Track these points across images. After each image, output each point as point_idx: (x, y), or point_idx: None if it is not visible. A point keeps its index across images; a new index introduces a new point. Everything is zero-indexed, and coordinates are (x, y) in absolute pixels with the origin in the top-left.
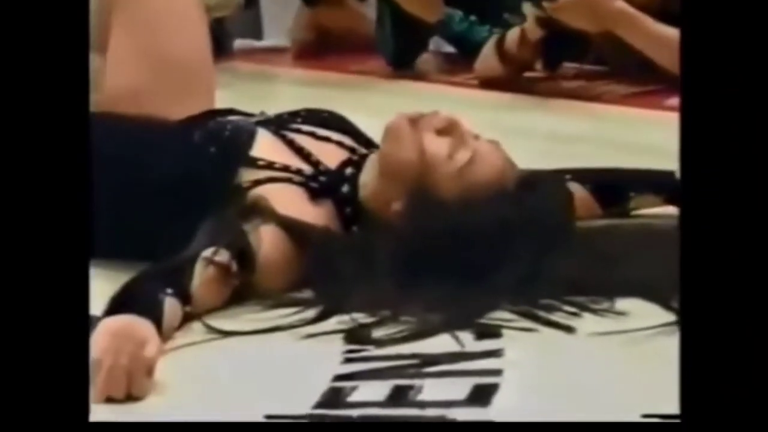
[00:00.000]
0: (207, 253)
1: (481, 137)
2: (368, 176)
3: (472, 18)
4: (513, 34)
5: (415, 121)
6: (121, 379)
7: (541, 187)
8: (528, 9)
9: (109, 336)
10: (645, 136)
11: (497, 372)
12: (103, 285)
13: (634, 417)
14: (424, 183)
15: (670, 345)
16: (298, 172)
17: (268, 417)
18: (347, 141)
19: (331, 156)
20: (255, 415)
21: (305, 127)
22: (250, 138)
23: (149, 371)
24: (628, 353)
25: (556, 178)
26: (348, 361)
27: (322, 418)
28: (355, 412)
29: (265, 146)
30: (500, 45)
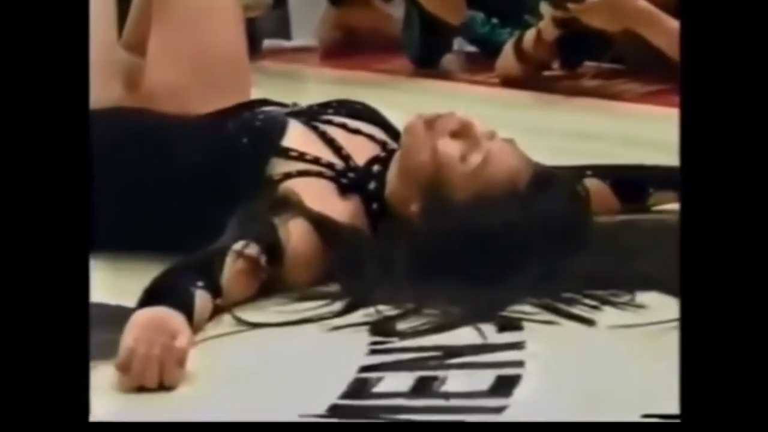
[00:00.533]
0: (237, 246)
1: (496, 136)
2: (392, 174)
3: (494, 20)
4: (530, 35)
5: (430, 123)
6: (154, 369)
7: (556, 185)
8: (545, 9)
9: (142, 327)
10: (664, 134)
11: (519, 363)
12: (104, 281)
13: (654, 410)
14: (439, 184)
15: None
16: (329, 166)
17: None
18: (378, 134)
19: (361, 149)
20: (283, 405)
21: (337, 119)
22: (281, 128)
23: (181, 362)
24: (648, 346)
25: (571, 175)
26: (373, 352)
27: (348, 409)
28: (380, 402)
29: (297, 137)
30: (518, 45)
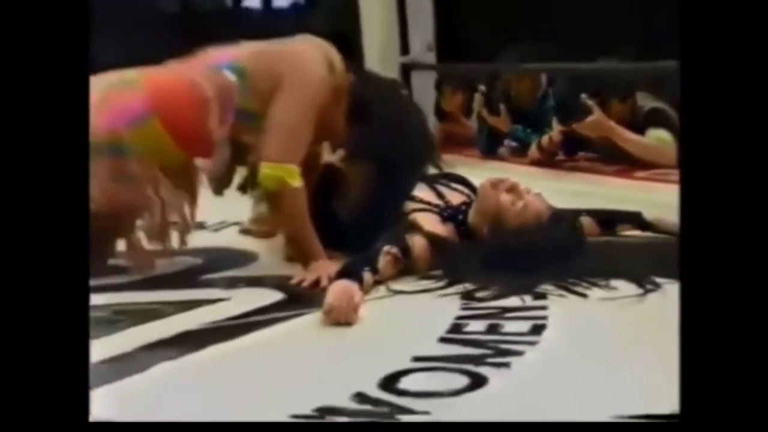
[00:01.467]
0: (386, 248)
1: (531, 191)
2: (472, 212)
3: (527, 130)
4: (546, 138)
5: (494, 184)
6: (343, 314)
7: (564, 220)
8: (555, 125)
9: (336, 291)
10: (622, 193)
11: (545, 317)
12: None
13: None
14: (498, 219)
15: (644, 305)
16: (437, 206)
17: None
18: (465, 190)
19: (456, 197)
20: (413, 336)
21: (443, 181)
22: None
23: (356, 310)
24: (618, 309)
25: (572, 214)
26: (463, 308)
27: (451, 340)
28: (467, 337)
29: (421, 190)
30: (539, 143)
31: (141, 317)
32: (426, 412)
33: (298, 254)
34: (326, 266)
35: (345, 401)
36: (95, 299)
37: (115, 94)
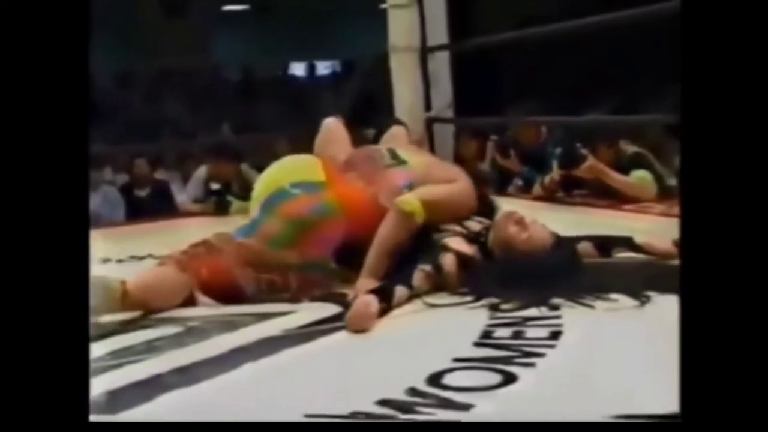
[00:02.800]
0: (421, 266)
1: (536, 221)
2: (491, 237)
3: (533, 171)
4: (548, 179)
5: (506, 218)
6: (356, 322)
7: (566, 245)
8: (555, 168)
9: (356, 303)
10: (613, 222)
11: (560, 325)
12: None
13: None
14: (509, 245)
15: (638, 313)
16: (461, 231)
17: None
18: (484, 220)
19: (476, 226)
20: (449, 343)
21: None
22: None
23: (371, 319)
24: (617, 317)
25: (572, 240)
26: (491, 318)
27: (483, 344)
28: (495, 341)
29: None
30: (542, 182)
31: (226, 327)
32: (468, 404)
33: (367, 263)
34: (368, 285)
35: (400, 395)
36: (192, 312)
37: (319, 224)
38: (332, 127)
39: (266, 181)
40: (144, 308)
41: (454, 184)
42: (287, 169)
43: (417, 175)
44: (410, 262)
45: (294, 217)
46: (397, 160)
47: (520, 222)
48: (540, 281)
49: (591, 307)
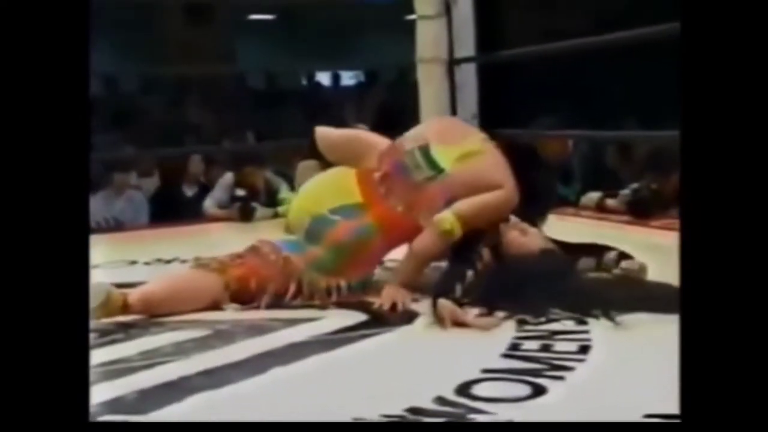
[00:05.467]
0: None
1: (538, 232)
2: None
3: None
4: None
5: (511, 224)
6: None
7: (555, 252)
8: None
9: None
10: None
11: (588, 339)
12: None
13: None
14: (506, 249)
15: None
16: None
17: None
18: None
19: None
20: (479, 352)
21: None
22: None
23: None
24: (622, 331)
25: (565, 248)
26: (518, 331)
27: (512, 356)
28: (524, 354)
29: None
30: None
31: (255, 331)
32: (495, 414)
33: (402, 275)
34: (397, 294)
35: (428, 404)
36: (221, 315)
37: (360, 247)
38: (363, 137)
39: (305, 205)
40: (152, 314)
41: (495, 194)
42: (325, 193)
43: (456, 185)
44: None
45: (336, 243)
46: (433, 168)
47: (524, 230)
48: (529, 288)
49: (597, 318)
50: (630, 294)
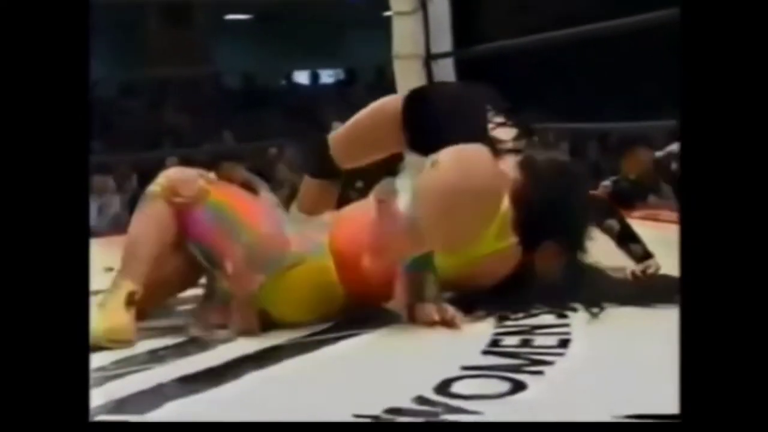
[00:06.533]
0: None
1: None
2: None
3: None
4: None
5: None
6: None
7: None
8: None
9: None
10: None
11: (568, 333)
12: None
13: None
14: None
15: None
16: None
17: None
18: None
19: None
20: (458, 350)
21: None
22: None
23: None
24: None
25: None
26: (499, 327)
27: (491, 352)
28: (502, 350)
29: None
30: None
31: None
32: (476, 412)
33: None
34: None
35: (407, 403)
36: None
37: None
38: (372, 114)
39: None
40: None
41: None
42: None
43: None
44: None
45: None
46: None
47: None
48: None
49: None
50: (602, 286)
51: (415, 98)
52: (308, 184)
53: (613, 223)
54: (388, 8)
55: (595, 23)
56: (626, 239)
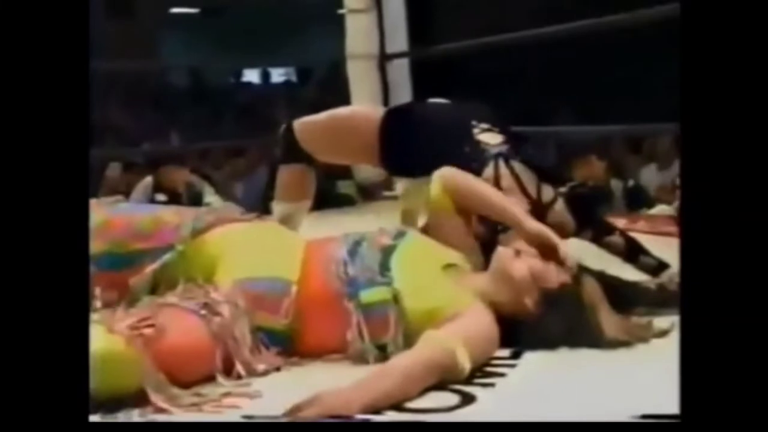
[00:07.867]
0: None
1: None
2: None
3: None
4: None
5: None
6: None
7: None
8: None
9: None
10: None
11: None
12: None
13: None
14: None
15: None
16: None
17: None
18: None
19: None
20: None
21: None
22: None
23: None
24: None
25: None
26: None
27: None
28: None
29: None
30: None
31: None
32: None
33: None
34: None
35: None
36: None
37: None
38: (348, 114)
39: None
40: None
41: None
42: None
43: None
44: None
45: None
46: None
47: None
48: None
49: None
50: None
51: (396, 117)
52: (281, 172)
53: (614, 239)
54: (342, 5)
55: (557, 25)
56: (635, 253)
